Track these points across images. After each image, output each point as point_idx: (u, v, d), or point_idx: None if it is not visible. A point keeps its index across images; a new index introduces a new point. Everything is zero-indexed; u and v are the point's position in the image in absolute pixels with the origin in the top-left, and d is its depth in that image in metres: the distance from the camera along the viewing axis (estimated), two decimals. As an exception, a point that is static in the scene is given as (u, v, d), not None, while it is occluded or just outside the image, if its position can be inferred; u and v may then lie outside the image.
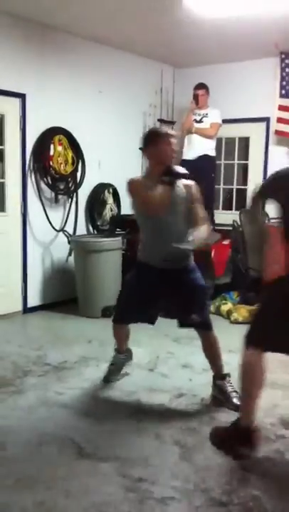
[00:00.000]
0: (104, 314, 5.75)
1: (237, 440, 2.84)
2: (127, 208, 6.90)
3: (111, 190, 6.73)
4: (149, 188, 3.41)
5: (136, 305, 3.67)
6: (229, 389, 3.55)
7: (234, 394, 3.49)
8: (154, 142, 3.48)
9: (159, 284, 3.54)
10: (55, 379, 4.04)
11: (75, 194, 6.30)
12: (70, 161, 6.08)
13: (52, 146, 5.90)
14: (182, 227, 3.47)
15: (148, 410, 3.52)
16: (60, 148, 5.97)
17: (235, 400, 3.44)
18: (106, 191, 6.69)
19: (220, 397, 3.59)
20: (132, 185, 3.51)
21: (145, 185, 3.44)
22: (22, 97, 5.62)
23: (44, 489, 2.61)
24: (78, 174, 6.26)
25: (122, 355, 4.08)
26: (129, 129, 6.93)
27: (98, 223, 6.66)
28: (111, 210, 6.75)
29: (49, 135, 5.88)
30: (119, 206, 6.88)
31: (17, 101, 5.60)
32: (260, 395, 2.83)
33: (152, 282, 3.55)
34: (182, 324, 3.70)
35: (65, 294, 6.24)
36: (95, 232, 6.64)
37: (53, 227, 6.10)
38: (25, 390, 3.82)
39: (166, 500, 2.52)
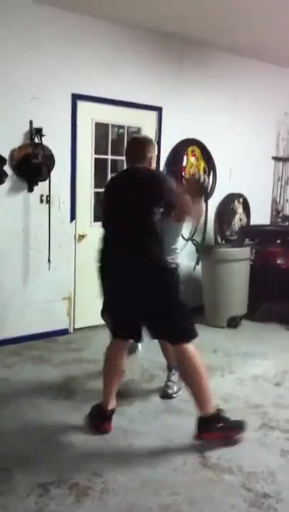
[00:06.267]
0: (230, 324, 5.76)
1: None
2: (256, 217, 6.86)
3: (241, 199, 6.71)
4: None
5: None
6: None
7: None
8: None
9: None
10: (181, 386, 4.11)
11: (205, 204, 6.35)
12: (202, 171, 6.16)
13: (185, 157, 6.02)
14: None
15: (274, 425, 3.48)
16: (192, 159, 6.09)
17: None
18: (236, 201, 6.68)
19: None
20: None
21: None
22: (159, 110, 5.79)
23: (169, 494, 2.69)
24: (209, 184, 6.31)
25: None
26: (262, 137, 6.89)
27: (227, 233, 6.67)
28: (240, 220, 6.74)
29: (183, 146, 6.01)
30: (248, 216, 6.84)
31: (154, 114, 5.78)
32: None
33: None
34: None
35: (190, 302, 6.24)
36: (223, 242, 6.65)
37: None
38: (151, 395, 3.95)
39: (291, 520, 2.50)
